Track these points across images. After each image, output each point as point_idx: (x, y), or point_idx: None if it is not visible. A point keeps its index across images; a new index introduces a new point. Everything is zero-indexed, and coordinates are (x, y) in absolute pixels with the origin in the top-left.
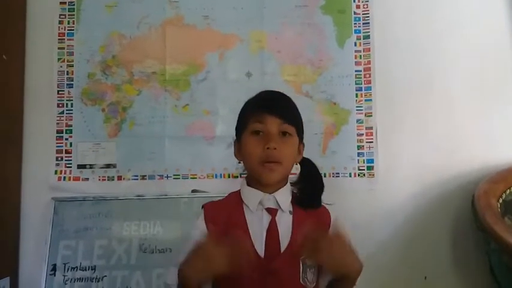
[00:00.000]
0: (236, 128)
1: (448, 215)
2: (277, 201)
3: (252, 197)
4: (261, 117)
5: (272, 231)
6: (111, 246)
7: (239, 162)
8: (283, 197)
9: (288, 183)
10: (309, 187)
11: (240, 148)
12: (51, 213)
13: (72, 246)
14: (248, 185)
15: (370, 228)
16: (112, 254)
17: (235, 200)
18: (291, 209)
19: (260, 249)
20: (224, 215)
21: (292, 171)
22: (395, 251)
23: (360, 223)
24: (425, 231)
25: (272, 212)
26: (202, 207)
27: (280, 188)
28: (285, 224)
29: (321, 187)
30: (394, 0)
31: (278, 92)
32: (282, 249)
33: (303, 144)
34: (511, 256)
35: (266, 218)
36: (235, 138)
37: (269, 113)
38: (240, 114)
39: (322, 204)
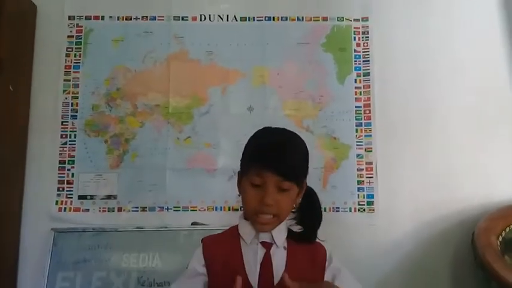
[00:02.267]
0: (241, 162)
1: (448, 252)
2: (272, 237)
3: (248, 231)
4: (261, 171)
5: (266, 264)
6: (109, 279)
7: (239, 195)
8: (279, 233)
9: (285, 220)
10: (307, 217)
11: (240, 185)
12: (50, 244)
13: (70, 278)
14: (245, 218)
15: (370, 263)
16: (110, 287)
17: (233, 233)
18: (286, 245)
19: (254, 282)
20: (221, 248)
21: None
22: (395, 286)
23: (360, 258)
24: (426, 268)
25: (267, 245)
26: (202, 241)
27: (277, 225)
28: (279, 258)
29: (319, 218)
30: (393, 39)
31: (283, 135)
32: (275, 282)
33: (305, 182)
34: None
35: (260, 252)
36: (239, 169)
37: (269, 169)
38: (244, 150)
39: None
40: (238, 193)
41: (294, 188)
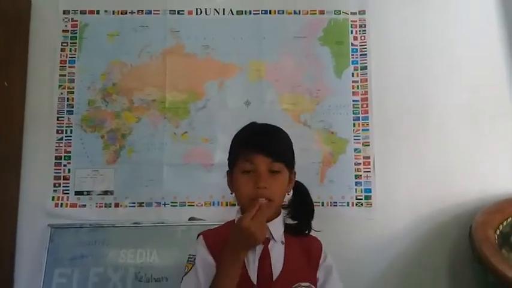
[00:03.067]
0: (228, 159)
1: (446, 245)
2: (270, 231)
3: None
4: (250, 156)
5: (264, 259)
6: (106, 275)
7: (231, 193)
8: (276, 227)
9: (281, 214)
10: (300, 211)
11: (231, 181)
12: (47, 240)
13: (67, 274)
14: (242, 213)
15: (367, 257)
16: (107, 283)
17: (230, 228)
18: (283, 240)
19: (253, 277)
20: (221, 243)
21: None
22: (393, 280)
23: (358, 252)
24: (423, 261)
25: (265, 241)
26: (199, 235)
27: (273, 218)
28: (277, 253)
29: (311, 211)
30: (390, 32)
31: (267, 125)
32: (275, 277)
33: (295, 172)
34: None
35: (259, 247)
36: (228, 169)
37: (258, 152)
38: (231, 146)
39: (312, 231)
40: (231, 192)
41: (284, 171)
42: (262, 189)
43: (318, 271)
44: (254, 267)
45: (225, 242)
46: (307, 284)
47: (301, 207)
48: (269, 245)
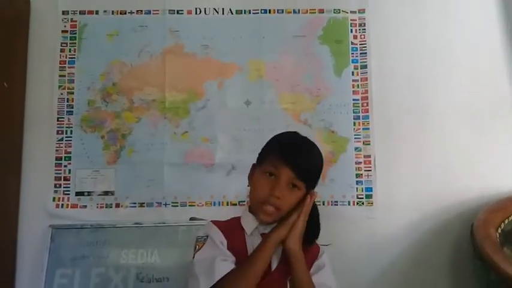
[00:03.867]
0: (259, 154)
1: (448, 244)
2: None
3: (250, 222)
4: (278, 164)
5: None
6: (108, 275)
7: (248, 186)
8: None
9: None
10: (309, 231)
11: (253, 175)
12: (48, 240)
13: (68, 274)
14: (250, 211)
15: (369, 256)
16: (109, 283)
17: (236, 223)
18: None
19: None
20: (227, 234)
21: None
22: (394, 279)
23: (359, 251)
24: (424, 260)
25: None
26: (211, 222)
27: (278, 221)
28: (277, 252)
29: (317, 233)
30: (390, 31)
31: (306, 141)
32: (273, 268)
33: (312, 192)
34: (510, 287)
35: (258, 240)
36: (255, 162)
37: (285, 163)
38: (266, 144)
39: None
40: (248, 184)
41: (303, 189)
42: (275, 198)
43: (312, 268)
44: None
45: (230, 234)
46: None
47: (309, 226)
48: None
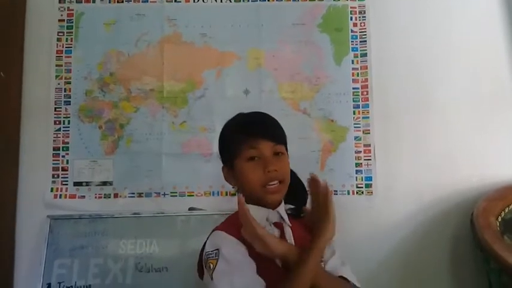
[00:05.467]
0: (221, 153)
1: (447, 233)
2: (281, 216)
3: (259, 214)
4: (255, 142)
5: None
6: (106, 265)
7: (233, 187)
8: (284, 211)
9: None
10: (294, 196)
11: (233, 174)
12: (47, 231)
13: (67, 264)
14: (248, 203)
15: (369, 246)
16: (107, 273)
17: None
18: (289, 223)
19: (278, 262)
20: (238, 234)
21: None
22: (394, 268)
23: (359, 241)
24: (424, 249)
25: (279, 225)
26: (213, 230)
27: (280, 203)
28: (289, 236)
29: (306, 193)
30: (391, 18)
31: (257, 112)
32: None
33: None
34: (510, 276)
35: (277, 232)
36: (222, 165)
37: (261, 138)
38: (224, 140)
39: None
40: (232, 186)
41: (285, 152)
42: (272, 173)
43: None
44: None
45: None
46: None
47: (296, 191)
48: (284, 229)
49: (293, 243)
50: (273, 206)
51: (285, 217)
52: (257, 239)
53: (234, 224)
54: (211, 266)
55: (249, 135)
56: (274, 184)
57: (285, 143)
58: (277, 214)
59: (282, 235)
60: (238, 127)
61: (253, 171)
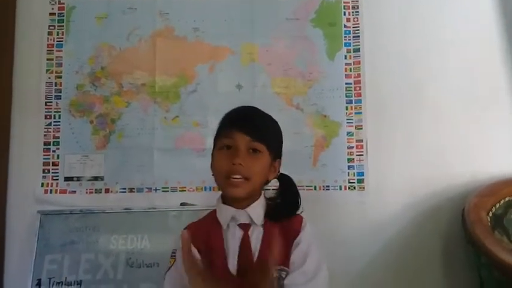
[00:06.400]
0: (214, 139)
1: (439, 228)
2: (250, 216)
3: (224, 213)
4: (231, 133)
5: (245, 246)
6: (97, 261)
7: (212, 174)
8: (256, 211)
9: (262, 197)
10: (286, 204)
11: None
12: (37, 226)
13: (57, 260)
14: (223, 202)
15: (361, 241)
16: (98, 269)
17: (213, 218)
18: (263, 223)
19: (233, 265)
20: (203, 235)
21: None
22: (386, 263)
23: (351, 236)
24: (416, 244)
25: (245, 227)
26: (184, 229)
27: (253, 202)
28: (257, 237)
29: (297, 204)
30: (384, 14)
31: (253, 108)
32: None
33: (279, 161)
34: (501, 271)
35: (238, 234)
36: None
37: (238, 130)
38: (218, 127)
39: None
40: (211, 173)
41: (265, 152)
42: (237, 166)
43: (292, 246)
44: (234, 255)
45: (207, 233)
46: (279, 267)
47: (288, 199)
48: (249, 231)
49: (258, 245)
50: (241, 204)
51: (256, 218)
52: (188, 275)
53: (200, 225)
54: (169, 263)
55: (227, 126)
56: (237, 178)
57: (266, 143)
58: (246, 214)
59: (245, 237)
60: (225, 117)
61: (221, 160)
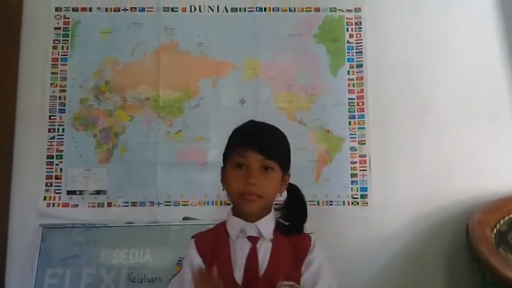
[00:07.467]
0: (223, 154)
1: (443, 244)
2: (259, 230)
3: (234, 225)
4: (244, 152)
5: (251, 259)
6: (99, 275)
7: (223, 190)
8: (266, 225)
9: (272, 211)
10: (293, 214)
11: (224, 177)
12: (39, 240)
13: (59, 274)
14: (234, 214)
15: (364, 257)
16: (100, 283)
17: (221, 229)
18: (272, 237)
19: (238, 277)
20: (211, 244)
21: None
22: (390, 279)
23: (354, 252)
24: (420, 260)
25: (253, 240)
26: (192, 237)
27: (263, 216)
28: (265, 251)
29: (304, 215)
30: (386, 30)
31: (264, 124)
32: (261, 275)
33: (289, 174)
34: None
35: (247, 246)
36: (223, 165)
37: (251, 148)
38: (227, 142)
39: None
40: (223, 189)
41: (277, 169)
42: (251, 186)
43: (302, 266)
44: (240, 267)
45: (214, 243)
46: (290, 282)
47: (295, 209)
48: (257, 244)
49: (266, 259)
50: (251, 218)
51: (265, 232)
52: None
53: (208, 235)
54: (176, 270)
55: (240, 143)
56: (251, 196)
57: (278, 160)
58: (255, 228)
59: (253, 250)
60: (237, 132)
61: (236, 179)
